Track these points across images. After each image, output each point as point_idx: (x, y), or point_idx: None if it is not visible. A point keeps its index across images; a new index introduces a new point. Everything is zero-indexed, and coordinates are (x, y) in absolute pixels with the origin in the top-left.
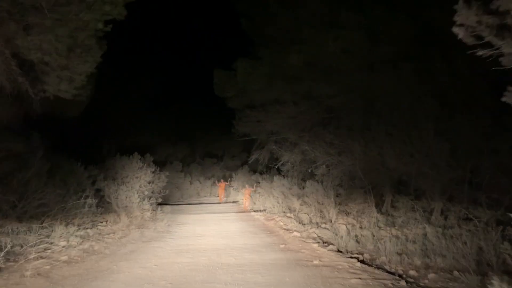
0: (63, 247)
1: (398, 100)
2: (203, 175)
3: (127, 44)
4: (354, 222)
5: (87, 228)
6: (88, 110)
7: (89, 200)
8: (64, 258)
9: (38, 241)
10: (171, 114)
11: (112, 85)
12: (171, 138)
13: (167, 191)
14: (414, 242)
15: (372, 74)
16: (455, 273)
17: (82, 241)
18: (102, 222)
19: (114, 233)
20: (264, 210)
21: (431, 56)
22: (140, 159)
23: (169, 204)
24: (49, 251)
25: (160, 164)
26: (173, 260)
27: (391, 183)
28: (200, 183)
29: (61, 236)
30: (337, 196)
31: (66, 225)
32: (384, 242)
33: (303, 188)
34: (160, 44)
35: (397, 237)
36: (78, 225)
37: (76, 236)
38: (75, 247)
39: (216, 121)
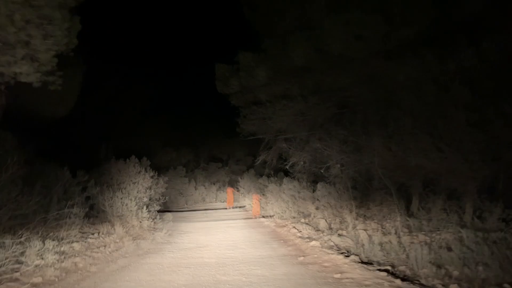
0: (36, 266)
1: (420, 89)
2: (208, 180)
3: (126, 43)
4: (376, 227)
5: (73, 242)
6: (83, 112)
7: (74, 210)
8: (36, 280)
9: (7, 260)
10: (173, 117)
11: (110, 86)
12: (174, 143)
13: (167, 197)
14: (448, 249)
15: (390, 62)
16: (506, 286)
17: (64, 258)
18: (93, 234)
19: (105, 246)
20: (274, 216)
21: (454, 39)
22: (137, 163)
23: (172, 211)
24: (18, 273)
25: (163, 170)
26: (169, 278)
27: (417, 182)
28: (205, 188)
29: (38, 253)
30: (352, 199)
31: (43, 239)
32: (415, 250)
33: (314, 191)
34: (161, 45)
35: (428, 244)
36: (62, 239)
37: (56, 252)
38: (52, 265)
39: (220, 124)
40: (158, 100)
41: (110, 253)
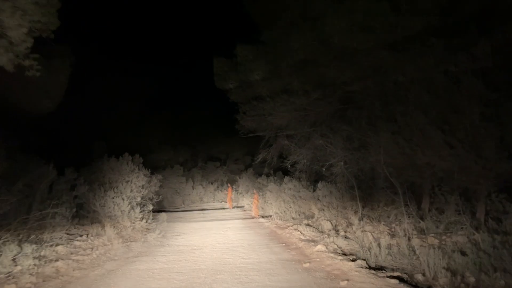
0: (9, 273)
1: (430, 82)
2: (206, 179)
3: (125, 39)
4: (384, 229)
5: (57, 245)
6: (78, 108)
7: (59, 210)
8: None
9: None
10: (170, 115)
11: (108, 83)
12: (171, 141)
13: (161, 197)
14: (462, 253)
15: (397, 54)
16: None
17: (44, 263)
18: (81, 236)
19: (92, 248)
20: (274, 216)
21: (465, 29)
22: (131, 160)
23: (168, 211)
24: None
25: (160, 168)
26: (158, 286)
27: (427, 181)
28: (203, 187)
29: (13, 258)
30: (354, 199)
31: (21, 243)
32: (427, 254)
33: (314, 190)
34: (159, 41)
35: (440, 248)
36: (45, 241)
37: (35, 257)
38: (28, 271)
39: (218, 123)
40: (156, 98)
41: (97, 256)
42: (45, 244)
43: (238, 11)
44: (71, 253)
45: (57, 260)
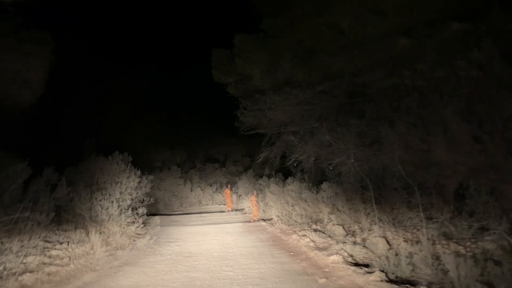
0: None
1: (449, 70)
2: (204, 181)
3: (121, 38)
4: (402, 235)
5: (28, 255)
6: (68, 105)
7: (31, 214)
8: None
9: None
10: (168, 115)
11: (102, 80)
12: (168, 141)
13: (153, 199)
14: (496, 262)
15: (412, 40)
16: None
17: (8, 276)
18: (62, 243)
19: (71, 257)
20: (277, 220)
21: (486, 12)
22: (122, 159)
23: (164, 214)
24: None
25: (156, 170)
26: None
27: (449, 180)
28: (202, 190)
29: None
30: (365, 201)
31: None
32: (457, 264)
33: (317, 192)
34: (157, 37)
35: (472, 256)
36: (12, 251)
37: None
38: None
39: (217, 123)
40: (152, 96)
41: (76, 267)
42: (12, 255)
43: (238, 5)
44: (44, 264)
45: (24, 273)
